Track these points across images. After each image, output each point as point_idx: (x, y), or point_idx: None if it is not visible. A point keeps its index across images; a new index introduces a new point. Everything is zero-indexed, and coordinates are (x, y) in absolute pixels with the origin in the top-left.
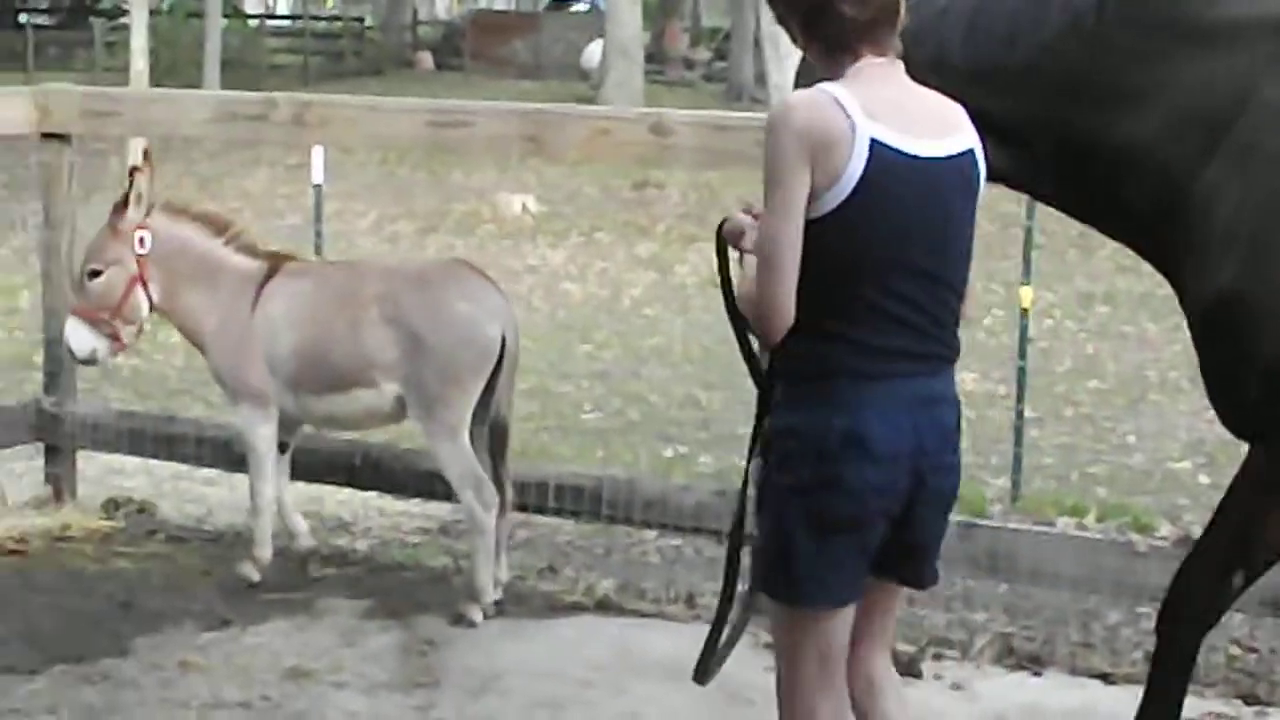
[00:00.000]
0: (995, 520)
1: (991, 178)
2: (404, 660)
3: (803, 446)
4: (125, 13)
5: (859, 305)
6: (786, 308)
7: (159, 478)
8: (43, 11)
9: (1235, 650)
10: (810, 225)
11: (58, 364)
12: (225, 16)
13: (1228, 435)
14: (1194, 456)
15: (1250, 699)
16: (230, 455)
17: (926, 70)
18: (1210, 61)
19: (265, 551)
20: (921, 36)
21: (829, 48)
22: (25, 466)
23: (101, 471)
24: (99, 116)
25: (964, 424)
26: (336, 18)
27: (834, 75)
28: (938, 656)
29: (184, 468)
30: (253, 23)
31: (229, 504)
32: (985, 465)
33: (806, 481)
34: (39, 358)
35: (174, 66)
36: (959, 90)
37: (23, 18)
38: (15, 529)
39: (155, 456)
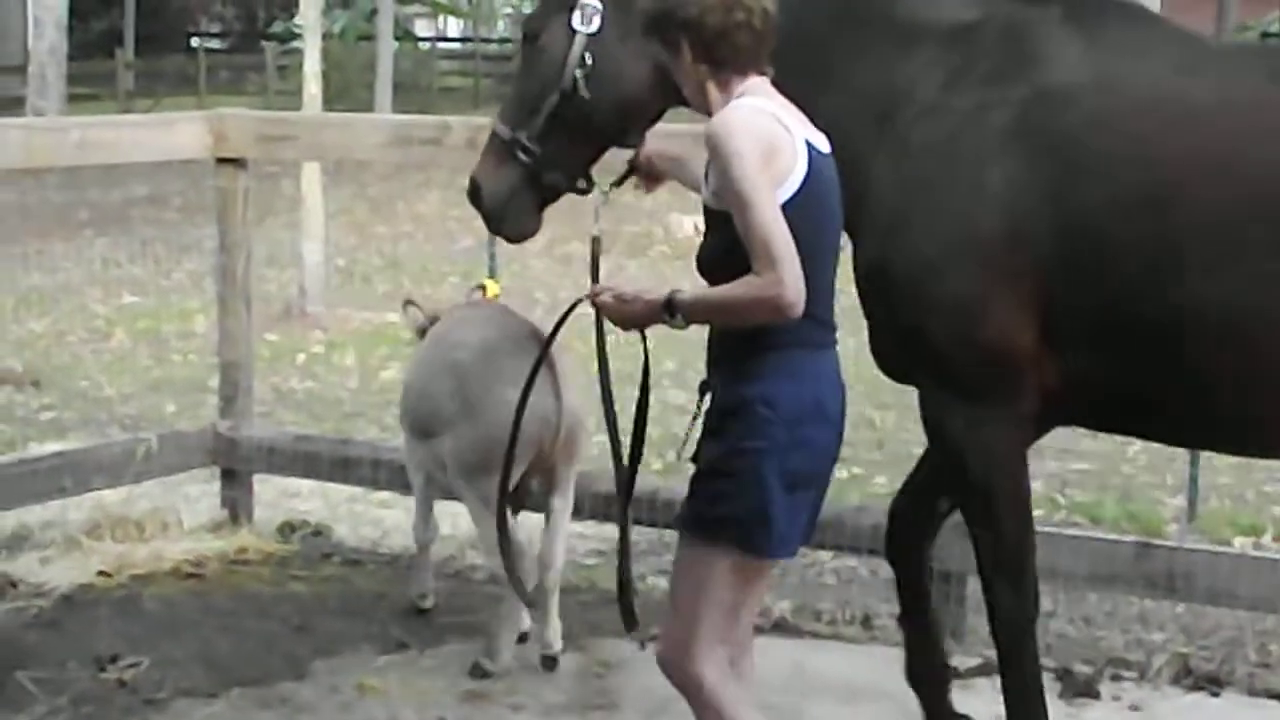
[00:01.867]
0: (1172, 540)
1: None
2: (581, 682)
3: (776, 412)
4: (297, 36)
5: (812, 284)
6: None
7: (334, 501)
8: (215, 35)
9: None
10: None
11: (233, 388)
12: (396, 39)
13: None
14: None
15: None
16: (405, 478)
17: None
18: (895, 59)
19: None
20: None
21: (719, 68)
22: (201, 490)
23: (277, 495)
24: (274, 141)
25: (1142, 443)
26: (507, 40)
27: (721, 91)
28: (1115, 678)
29: (359, 490)
30: (423, 45)
31: (404, 527)
32: (1161, 484)
33: (782, 443)
34: (214, 381)
35: (345, 89)
36: None
37: (195, 41)
38: (192, 552)
39: (330, 480)
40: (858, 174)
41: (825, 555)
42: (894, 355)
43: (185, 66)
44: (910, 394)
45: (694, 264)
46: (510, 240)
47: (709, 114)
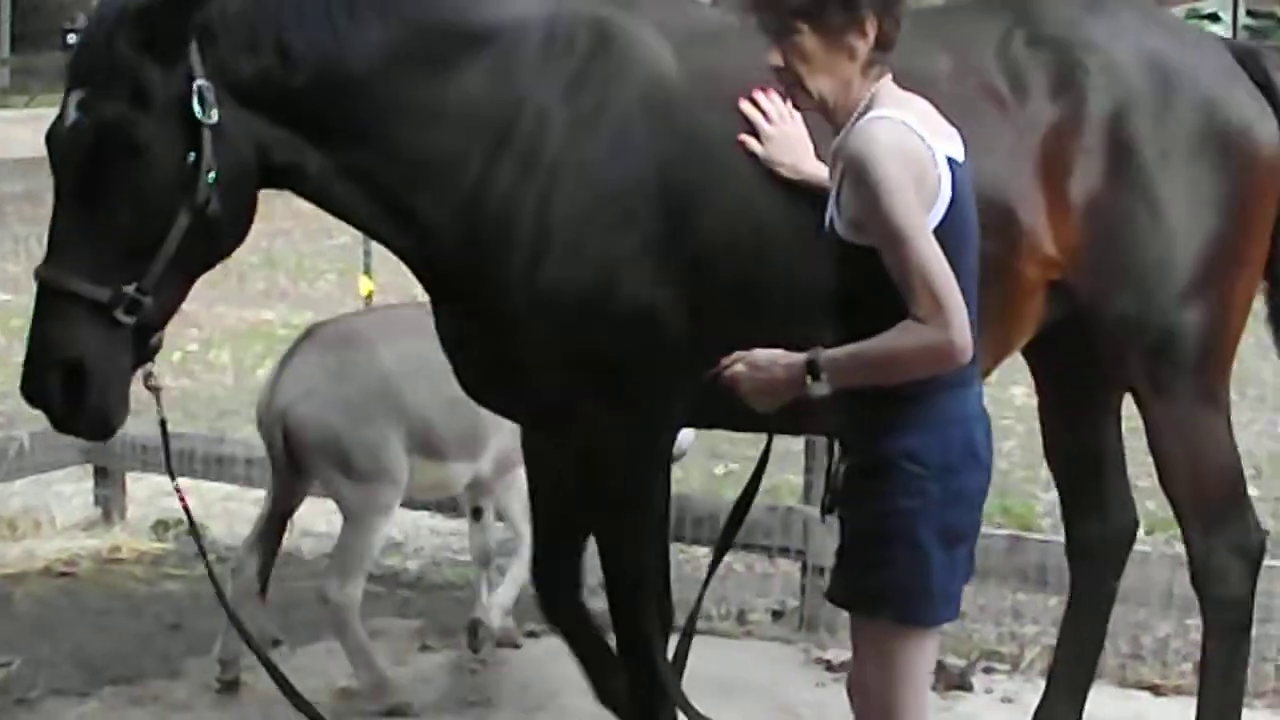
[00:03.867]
0: (1045, 534)
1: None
2: (456, 680)
3: (926, 467)
4: None
5: None
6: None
7: (209, 499)
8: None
9: None
10: None
11: None
12: None
13: (1276, 449)
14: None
15: None
16: None
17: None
18: (485, 70)
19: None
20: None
21: (883, 57)
22: (75, 489)
23: (151, 493)
24: None
25: (1016, 439)
26: None
27: (859, 89)
28: (988, 670)
29: (234, 488)
30: None
31: None
32: (1035, 479)
33: (936, 499)
34: None
35: None
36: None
37: (72, 38)
38: (65, 551)
39: (205, 478)
40: (483, 202)
41: (701, 551)
42: (505, 383)
43: (63, 63)
44: None
45: None
46: (102, 438)
47: (835, 117)
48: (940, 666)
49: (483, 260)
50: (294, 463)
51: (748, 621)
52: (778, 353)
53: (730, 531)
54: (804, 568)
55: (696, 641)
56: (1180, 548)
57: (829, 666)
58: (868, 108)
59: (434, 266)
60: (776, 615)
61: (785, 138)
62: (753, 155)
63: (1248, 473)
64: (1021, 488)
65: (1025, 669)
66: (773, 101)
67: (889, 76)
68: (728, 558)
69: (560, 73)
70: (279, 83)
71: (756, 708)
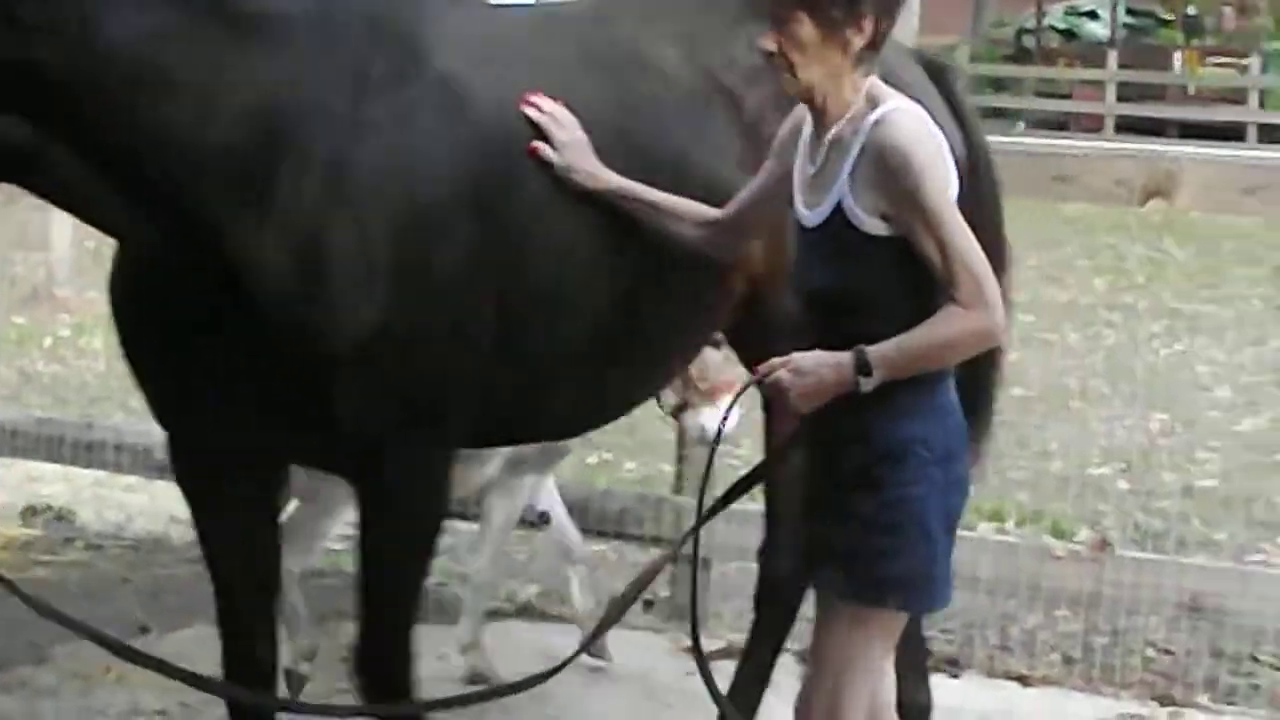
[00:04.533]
0: None
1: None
2: (326, 667)
3: (932, 453)
4: None
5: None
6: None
7: (78, 485)
8: None
9: (1150, 652)
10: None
11: None
12: None
13: (1147, 442)
14: (1113, 463)
15: (1165, 700)
16: (150, 462)
17: None
18: (259, 58)
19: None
20: None
21: (875, 56)
22: None
23: (20, 479)
24: None
25: None
26: None
27: (854, 88)
28: None
29: (103, 474)
30: None
31: (148, 511)
32: None
33: (940, 485)
34: None
35: None
36: None
37: None
38: None
39: (74, 463)
40: (285, 217)
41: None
42: (284, 425)
43: None
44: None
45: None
46: None
47: (825, 109)
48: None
49: (297, 286)
50: None
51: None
52: (821, 355)
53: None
54: (675, 557)
55: (565, 630)
56: (1048, 539)
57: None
58: (874, 102)
59: (233, 289)
60: (648, 605)
61: (578, 144)
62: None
63: (1118, 466)
64: None
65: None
66: (556, 106)
67: (877, 74)
68: (599, 546)
69: (344, 70)
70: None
71: (627, 696)
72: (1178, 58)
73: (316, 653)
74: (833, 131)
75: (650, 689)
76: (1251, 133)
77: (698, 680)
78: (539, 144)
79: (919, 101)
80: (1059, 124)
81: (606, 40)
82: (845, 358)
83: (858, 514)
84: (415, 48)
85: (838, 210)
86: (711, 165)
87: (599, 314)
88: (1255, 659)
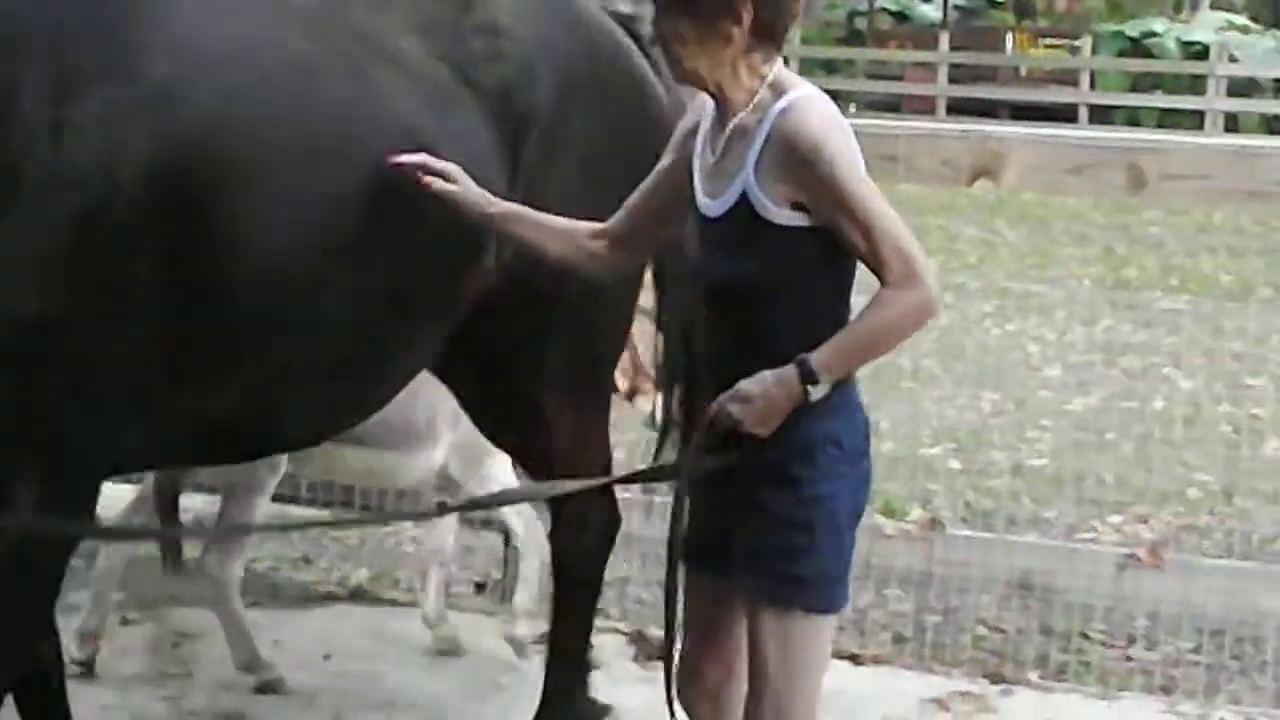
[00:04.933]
0: None
1: None
2: (156, 653)
3: (843, 450)
4: None
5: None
6: None
7: None
8: None
9: (982, 630)
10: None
11: None
12: None
13: (978, 422)
14: (944, 442)
15: (996, 678)
16: None
17: None
18: None
19: None
20: None
21: (766, 45)
22: None
23: None
24: None
25: None
26: None
27: (752, 75)
28: None
29: None
30: None
31: None
32: None
33: (850, 482)
34: None
35: None
36: None
37: None
38: None
39: None
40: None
41: (405, 524)
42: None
43: None
44: None
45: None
46: None
47: (721, 101)
48: (641, 636)
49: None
50: None
51: (451, 594)
52: (762, 376)
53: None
54: (506, 540)
55: (399, 613)
56: (878, 519)
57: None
58: (779, 91)
59: None
60: (479, 587)
61: (458, 171)
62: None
63: (949, 446)
64: None
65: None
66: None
67: (780, 62)
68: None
69: (45, 71)
70: None
71: (459, 679)
72: (1009, 39)
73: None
74: (735, 120)
75: (482, 670)
76: (1083, 114)
77: (529, 663)
78: (428, 178)
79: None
80: (891, 106)
81: (344, 30)
82: (788, 372)
83: (770, 512)
84: (126, 47)
85: (742, 200)
86: (459, 155)
87: (327, 329)
88: (1085, 636)
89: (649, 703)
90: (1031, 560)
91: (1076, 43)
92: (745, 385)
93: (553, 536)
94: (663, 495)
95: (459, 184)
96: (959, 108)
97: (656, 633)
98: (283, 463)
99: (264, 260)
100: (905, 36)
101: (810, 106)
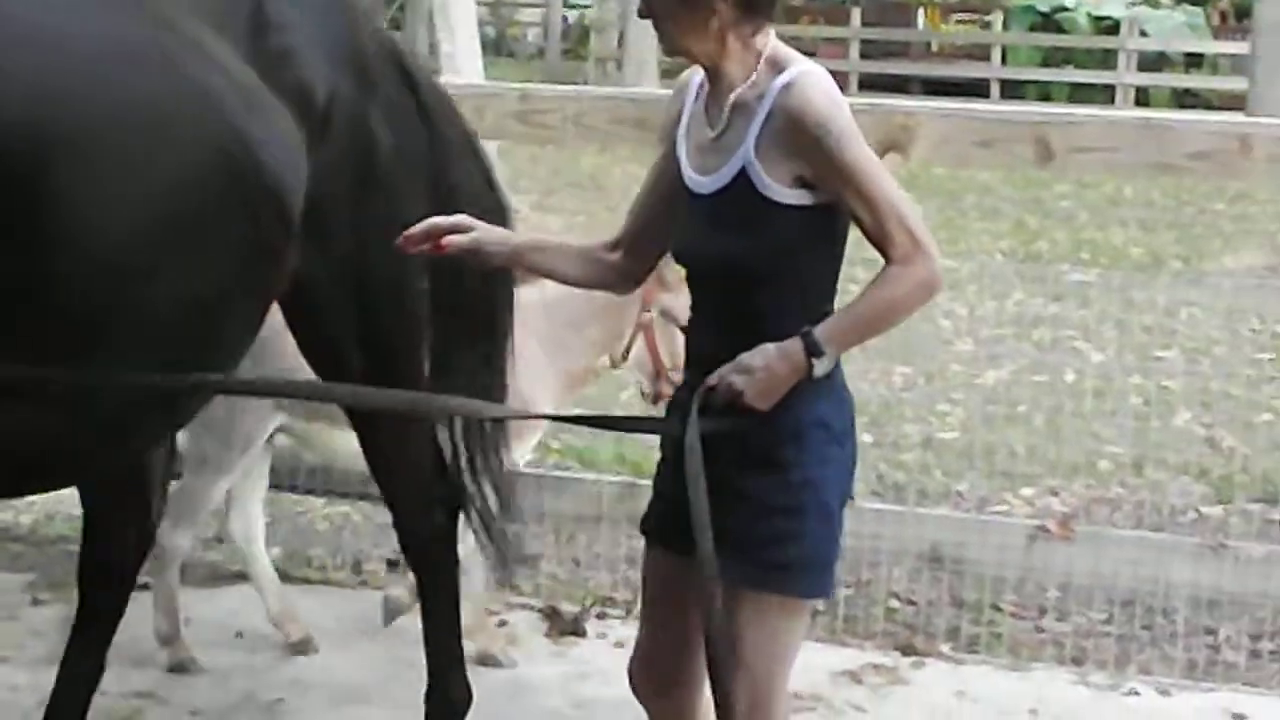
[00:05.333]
0: None
1: None
2: (68, 634)
3: (831, 432)
4: None
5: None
6: None
7: None
8: None
9: (894, 603)
10: (830, 206)
11: None
12: None
13: (890, 396)
14: (857, 416)
15: (908, 650)
16: None
17: None
18: None
19: None
20: None
21: (753, 17)
22: None
23: None
24: None
25: (634, 387)
26: None
27: (745, 48)
28: (601, 615)
29: None
30: None
31: None
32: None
33: (838, 465)
34: None
35: None
36: None
37: None
38: None
39: None
40: None
41: (318, 502)
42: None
43: None
44: None
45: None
46: None
47: (716, 76)
48: (554, 612)
49: None
50: None
51: (363, 571)
52: (766, 349)
53: None
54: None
55: (312, 591)
56: None
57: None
58: (779, 65)
59: None
60: (391, 564)
61: (467, 221)
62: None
63: (861, 419)
64: (641, 437)
65: (637, 614)
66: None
67: (773, 34)
68: (344, 508)
69: None
70: None
71: (373, 657)
72: (920, 15)
73: None
74: (734, 95)
75: (396, 650)
76: (994, 89)
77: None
78: (446, 240)
79: None
80: None
81: (156, 18)
82: (793, 345)
83: (757, 499)
84: None
85: (740, 176)
86: (275, 158)
87: (136, 324)
88: (996, 608)
89: (562, 678)
90: (943, 533)
91: (988, 18)
92: (747, 357)
93: (396, 523)
94: (576, 471)
95: (475, 230)
96: (871, 83)
97: (569, 608)
98: (253, 443)
99: (78, 248)
100: (817, 12)
101: (814, 82)
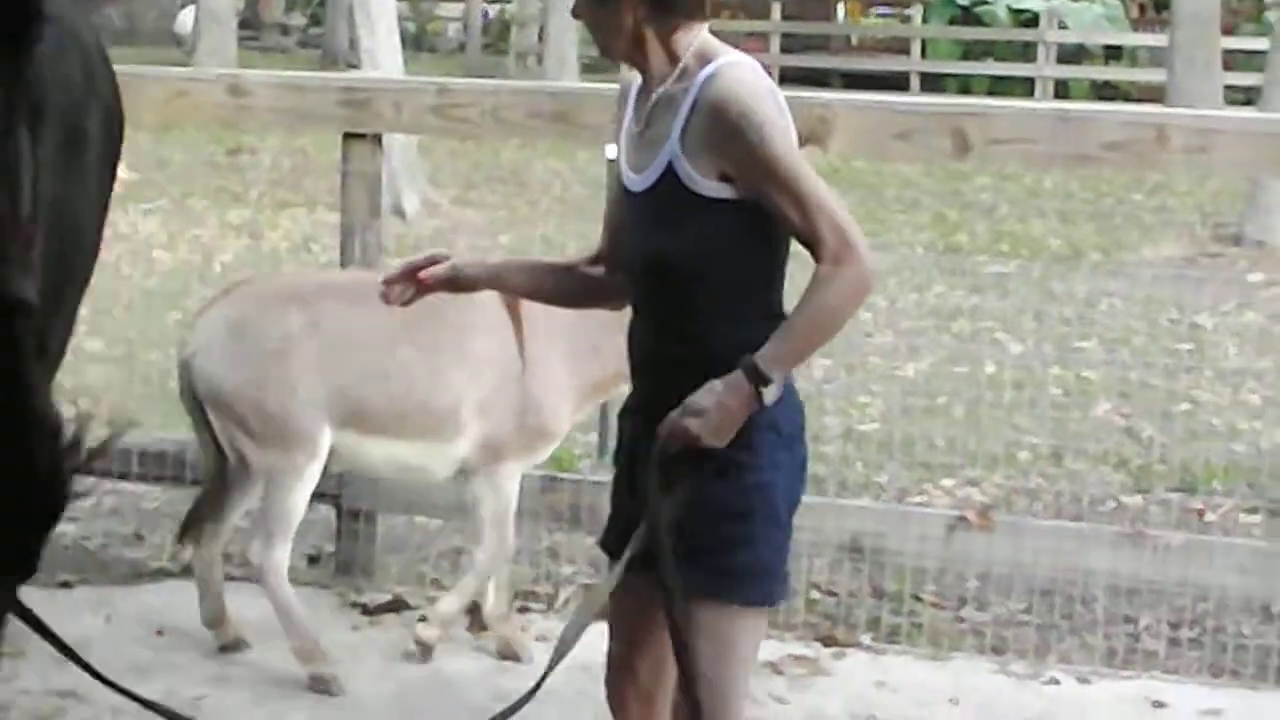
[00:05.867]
0: (581, 474)
1: None
2: None
3: (781, 436)
4: None
5: (783, 276)
6: None
7: None
8: None
9: (814, 594)
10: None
11: None
12: None
13: (810, 388)
14: None
15: (829, 641)
16: None
17: None
18: None
19: None
20: None
21: (667, 14)
22: None
23: None
24: None
25: None
26: None
27: (664, 45)
28: (524, 609)
29: None
30: None
31: None
32: (576, 423)
33: (788, 469)
34: None
35: None
36: None
37: None
38: None
39: None
40: None
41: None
42: None
43: None
44: None
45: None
46: None
47: (643, 71)
48: (475, 606)
49: None
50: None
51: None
52: (711, 386)
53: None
54: (339, 512)
55: (232, 587)
56: None
57: (365, 610)
58: (705, 58)
59: None
60: (312, 560)
61: (443, 255)
62: None
63: None
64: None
65: (560, 608)
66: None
67: (705, 28)
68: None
69: None
70: None
71: (291, 652)
72: (840, 8)
73: None
74: (661, 89)
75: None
76: (914, 82)
77: (364, 635)
78: (424, 273)
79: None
80: None
81: None
82: (737, 378)
83: (708, 502)
84: None
85: (668, 171)
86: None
87: None
88: (917, 598)
89: (483, 671)
90: (863, 523)
91: (908, 11)
92: (697, 399)
93: None
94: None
95: (449, 262)
96: (792, 77)
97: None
98: (317, 444)
99: None
100: (737, 6)
101: (737, 73)
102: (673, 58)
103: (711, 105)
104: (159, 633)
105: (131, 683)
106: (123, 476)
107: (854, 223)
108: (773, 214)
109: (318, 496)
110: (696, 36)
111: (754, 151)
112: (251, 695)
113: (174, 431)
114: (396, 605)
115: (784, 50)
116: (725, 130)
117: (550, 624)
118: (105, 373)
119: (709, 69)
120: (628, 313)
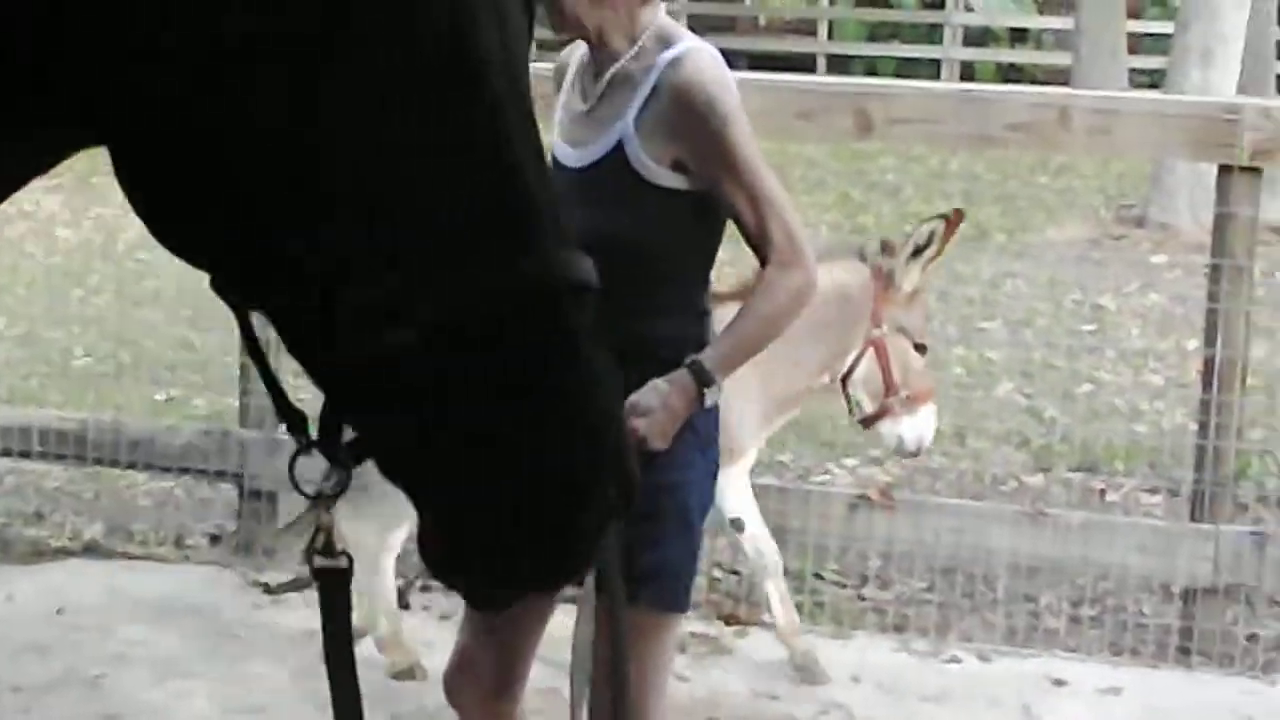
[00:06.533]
0: None
1: None
2: None
3: (697, 436)
4: None
5: (710, 274)
6: None
7: None
8: None
9: (717, 573)
10: (708, 194)
11: None
12: None
13: None
14: None
15: (731, 620)
16: None
17: None
18: None
19: None
20: None
21: None
22: None
23: None
24: None
25: None
26: None
27: (634, 20)
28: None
29: None
30: None
31: None
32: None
33: (701, 471)
34: None
35: None
36: None
37: None
38: None
39: None
40: None
41: (141, 477)
42: None
43: None
44: (230, 316)
45: None
46: None
47: (600, 48)
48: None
49: None
50: None
51: (185, 545)
52: (655, 385)
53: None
54: (241, 491)
55: (133, 567)
56: None
57: (266, 589)
58: (667, 40)
59: None
60: (214, 539)
61: None
62: None
63: None
64: None
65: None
66: None
67: (663, 9)
68: (165, 483)
69: None
70: None
71: (196, 631)
72: None
73: None
74: (616, 67)
75: (219, 624)
76: (821, 64)
77: (266, 613)
78: None
79: None
80: None
81: None
82: (682, 377)
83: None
84: None
85: (616, 151)
86: None
87: None
88: (819, 577)
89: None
90: (766, 502)
91: None
92: (642, 398)
93: None
94: None
95: None
96: None
97: (395, 581)
98: None
99: None
100: None
101: (702, 60)
102: (635, 34)
103: (676, 91)
104: (59, 611)
105: (31, 662)
106: (24, 455)
107: (803, 228)
108: (724, 208)
109: (218, 475)
110: (656, 13)
111: (716, 143)
112: (150, 674)
113: (75, 410)
114: (299, 584)
115: (691, 31)
116: (689, 118)
117: (452, 603)
118: (6, 350)
119: (672, 52)
120: (820, 323)
